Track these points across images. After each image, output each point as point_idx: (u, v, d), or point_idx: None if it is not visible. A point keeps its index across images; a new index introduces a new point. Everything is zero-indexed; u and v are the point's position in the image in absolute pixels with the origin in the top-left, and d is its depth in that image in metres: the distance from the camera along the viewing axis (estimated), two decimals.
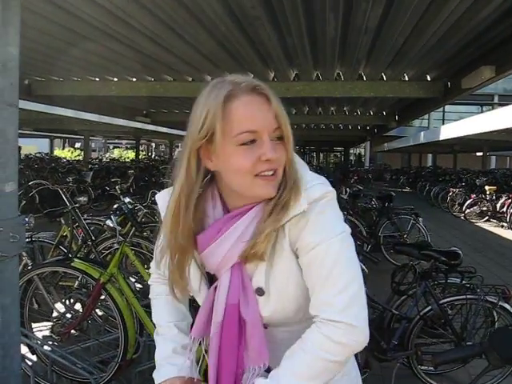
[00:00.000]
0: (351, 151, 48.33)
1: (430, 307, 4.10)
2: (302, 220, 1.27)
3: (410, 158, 40.48)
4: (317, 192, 1.28)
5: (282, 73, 9.34)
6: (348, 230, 1.32)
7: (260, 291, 1.33)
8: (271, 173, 1.28)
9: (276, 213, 1.28)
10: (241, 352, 1.35)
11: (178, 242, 1.36)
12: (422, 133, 27.38)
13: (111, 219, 4.23)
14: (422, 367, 4.17)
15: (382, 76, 9.65)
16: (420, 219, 8.97)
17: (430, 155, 39.98)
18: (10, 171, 2.76)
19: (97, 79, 10.55)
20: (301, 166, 1.37)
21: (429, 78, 9.58)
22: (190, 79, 10.29)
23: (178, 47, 7.49)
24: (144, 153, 48.26)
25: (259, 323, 1.33)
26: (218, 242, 1.33)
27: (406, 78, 9.71)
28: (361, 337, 1.23)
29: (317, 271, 1.26)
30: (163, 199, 1.48)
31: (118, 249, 4.14)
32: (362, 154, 45.91)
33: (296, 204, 1.27)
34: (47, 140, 39.11)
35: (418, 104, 12.74)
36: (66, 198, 5.91)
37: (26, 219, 3.05)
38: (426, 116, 36.71)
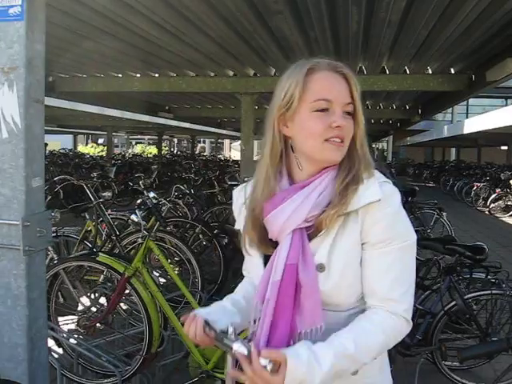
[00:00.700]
0: (373, 145, 48.00)
1: (454, 302, 4.07)
2: (378, 213, 1.38)
3: (433, 152, 40.10)
4: (390, 188, 1.42)
5: None
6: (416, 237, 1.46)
7: (321, 267, 1.40)
8: (339, 140, 1.41)
9: (349, 184, 1.40)
10: (294, 316, 1.39)
11: (253, 204, 1.51)
12: (446, 126, 27.12)
13: (136, 214, 4.27)
14: (447, 363, 4.14)
15: (405, 69, 9.56)
16: (444, 214, 8.89)
17: (453, 149, 39.56)
18: (37, 167, 2.80)
19: (119, 75, 10.61)
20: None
21: (453, 71, 9.46)
22: (213, 74, 10.30)
23: (200, 42, 7.50)
24: (166, 148, 48.47)
25: (316, 285, 1.38)
26: (279, 208, 1.43)
27: (430, 71, 9.60)
28: (406, 333, 1.43)
29: (386, 268, 1.40)
30: (238, 193, 1.66)
31: (142, 243, 4.17)
32: (385, 148, 45.57)
33: (369, 185, 1.40)
34: (71, 136, 39.48)
35: (441, 97, 12.60)
36: (91, 193, 5.97)
37: (52, 214, 3.09)
38: (450, 109, 36.26)
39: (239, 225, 1.59)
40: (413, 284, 1.44)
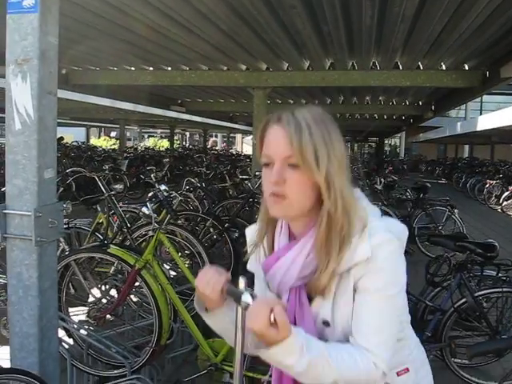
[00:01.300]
0: (386, 141, 47.82)
1: (464, 299, 4.05)
2: (367, 266, 1.38)
3: (446, 148, 39.89)
4: (380, 238, 1.38)
5: (317, 62, 9.28)
6: (405, 282, 1.46)
7: (326, 323, 1.44)
8: (276, 195, 1.38)
9: (330, 246, 1.39)
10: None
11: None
12: (459, 123, 26.94)
13: (147, 206, 4.28)
14: (456, 360, 4.13)
15: (419, 65, 9.50)
16: (455, 211, 8.85)
17: (466, 146, 39.32)
18: (49, 158, 2.83)
19: (132, 68, 10.64)
20: (358, 198, 1.47)
21: (467, 67, 9.39)
22: (225, 68, 10.29)
23: (213, 36, 7.49)
24: (178, 142, 48.57)
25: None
26: (275, 267, 1.46)
27: (444, 67, 9.53)
28: (378, 378, 1.38)
29: (369, 314, 1.39)
30: (251, 232, 1.65)
31: (153, 236, 4.19)
32: (397, 144, 45.40)
33: (357, 244, 1.38)
34: (83, 129, 39.64)
35: (455, 94, 12.51)
36: (103, 185, 6.00)
37: (64, 205, 3.11)
38: (463, 106, 36.02)
39: (251, 265, 1.60)
40: (392, 335, 1.42)
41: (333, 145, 1.38)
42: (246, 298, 1.29)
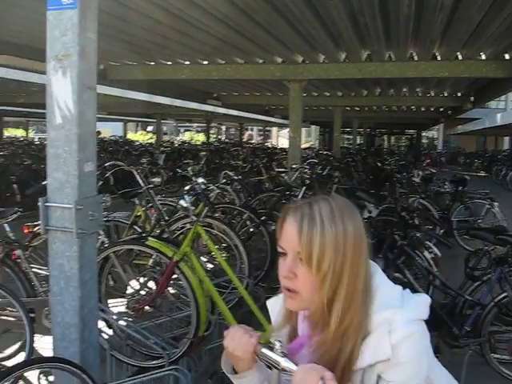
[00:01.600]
0: (424, 134, 47.14)
1: (505, 294, 3.98)
2: (389, 365, 1.31)
3: (486, 140, 39.08)
4: (400, 334, 1.31)
5: (353, 54, 9.21)
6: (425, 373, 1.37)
7: None
8: (287, 289, 1.36)
9: (345, 343, 1.34)
10: None
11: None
12: (499, 114, 26.34)
13: (185, 199, 4.32)
14: (496, 355, 4.06)
15: (457, 55, 9.34)
16: (495, 204, 8.67)
17: (506, 138, 38.42)
18: (89, 152, 2.88)
19: (169, 63, 10.73)
20: (380, 285, 1.40)
21: (507, 57, 9.18)
22: (261, 61, 10.30)
23: (249, 29, 7.50)
24: (214, 135, 48.77)
25: None
26: (299, 355, 1.40)
27: (483, 57, 9.35)
28: None
29: None
30: (273, 305, 1.60)
31: (190, 228, 4.22)
32: (435, 136, 44.71)
33: (375, 342, 1.31)
34: (121, 124, 40.12)
35: (494, 84, 12.27)
36: (141, 178, 6.07)
37: (104, 198, 3.17)
38: (503, 97, 35.22)
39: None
40: None
41: (346, 243, 1.32)
42: (288, 364, 1.27)
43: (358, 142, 35.07)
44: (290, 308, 1.42)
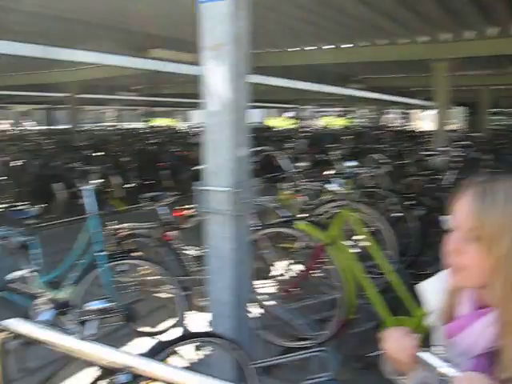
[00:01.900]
0: None
1: None
2: None
3: None
4: None
5: (506, 28, 8.61)
6: None
7: None
8: (454, 263, 1.29)
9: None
10: None
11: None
12: None
13: (331, 183, 4.33)
14: None
15: None
16: None
17: None
18: (242, 137, 2.99)
19: (312, 48, 10.74)
20: None
21: None
22: (404, 41, 9.99)
23: (392, 8, 7.31)
24: (354, 119, 48.17)
25: None
26: (459, 337, 1.34)
27: None
28: None
29: None
30: (428, 287, 1.52)
31: (337, 212, 4.23)
32: None
33: None
34: (258, 110, 40.78)
35: None
36: (286, 163, 6.16)
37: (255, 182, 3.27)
38: None
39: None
40: None
41: None
42: (450, 371, 1.24)
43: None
44: (454, 284, 1.36)
